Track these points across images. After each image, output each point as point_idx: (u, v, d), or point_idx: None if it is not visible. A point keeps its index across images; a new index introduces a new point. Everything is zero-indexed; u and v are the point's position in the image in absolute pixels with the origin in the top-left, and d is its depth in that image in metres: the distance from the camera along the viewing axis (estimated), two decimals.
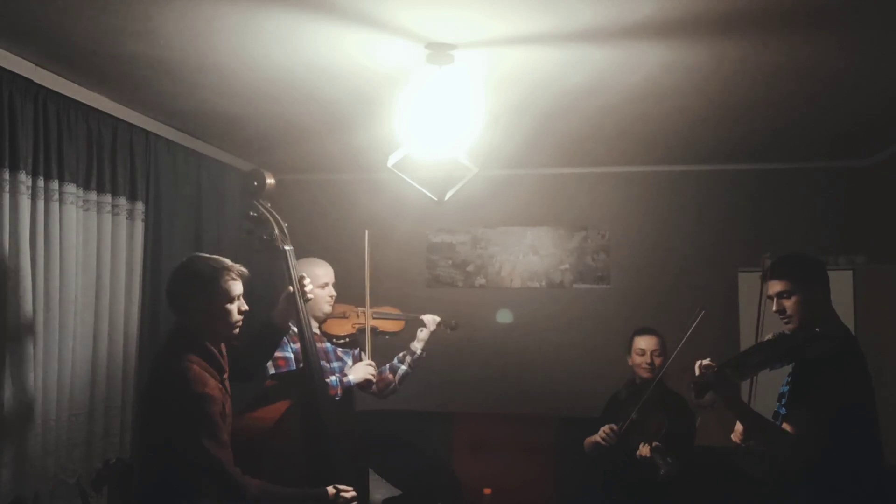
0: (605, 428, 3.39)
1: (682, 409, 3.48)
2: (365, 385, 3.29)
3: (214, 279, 2.45)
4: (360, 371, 3.26)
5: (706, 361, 2.55)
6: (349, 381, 3.21)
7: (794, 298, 2.57)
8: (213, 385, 2.37)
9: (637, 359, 3.54)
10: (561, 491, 4.29)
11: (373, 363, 3.32)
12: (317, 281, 3.21)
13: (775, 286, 2.61)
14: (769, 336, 2.67)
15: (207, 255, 2.56)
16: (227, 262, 2.53)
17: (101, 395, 3.26)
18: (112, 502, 3.10)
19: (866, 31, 2.54)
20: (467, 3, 2.30)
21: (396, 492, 4.09)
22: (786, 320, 2.60)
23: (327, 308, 3.30)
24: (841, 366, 2.45)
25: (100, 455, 3.25)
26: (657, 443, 3.27)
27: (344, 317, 3.50)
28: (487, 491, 3.97)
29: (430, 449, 4.50)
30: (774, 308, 2.62)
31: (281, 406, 2.85)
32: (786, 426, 2.54)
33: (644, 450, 3.28)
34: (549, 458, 4.41)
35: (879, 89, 3.18)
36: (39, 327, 2.89)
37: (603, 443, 3.37)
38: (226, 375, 2.50)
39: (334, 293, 3.33)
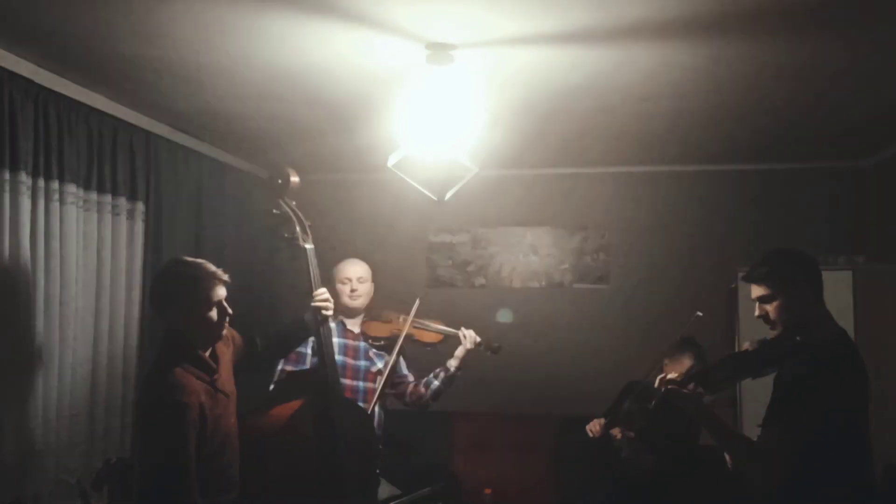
0: (595, 421, 3.42)
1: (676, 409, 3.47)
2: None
3: (196, 286, 2.38)
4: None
5: (670, 376, 2.44)
6: None
7: (775, 303, 2.33)
8: (195, 389, 2.31)
9: (669, 371, 3.52)
10: (561, 491, 4.29)
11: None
12: (336, 276, 3.29)
13: (756, 290, 2.38)
14: (746, 344, 2.46)
15: (191, 259, 2.48)
16: (211, 267, 2.44)
17: (101, 395, 3.26)
18: (112, 502, 3.10)
19: (867, 31, 2.54)
20: (468, 3, 2.30)
21: (396, 492, 4.09)
22: (769, 326, 2.38)
23: (348, 301, 3.34)
24: (822, 379, 2.20)
25: (100, 455, 3.24)
26: (632, 433, 3.29)
27: (387, 321, 3.54)
28: (487, 491, 3.98)
29: (430, 449, 4.50)
30: (757, 313, 2.40)
31: (294, 404, 2.85)
32: (757, 440, 2.35)
33: (616, 431, 3.31)
34: (549, 458, 4.41)
35: (880, 90, 3.18)
36: (39, 327, 2.89)
37: (589, 434, 3.39)
38: (216, 376, 2.46)
39: (357, 287, 3.37)
